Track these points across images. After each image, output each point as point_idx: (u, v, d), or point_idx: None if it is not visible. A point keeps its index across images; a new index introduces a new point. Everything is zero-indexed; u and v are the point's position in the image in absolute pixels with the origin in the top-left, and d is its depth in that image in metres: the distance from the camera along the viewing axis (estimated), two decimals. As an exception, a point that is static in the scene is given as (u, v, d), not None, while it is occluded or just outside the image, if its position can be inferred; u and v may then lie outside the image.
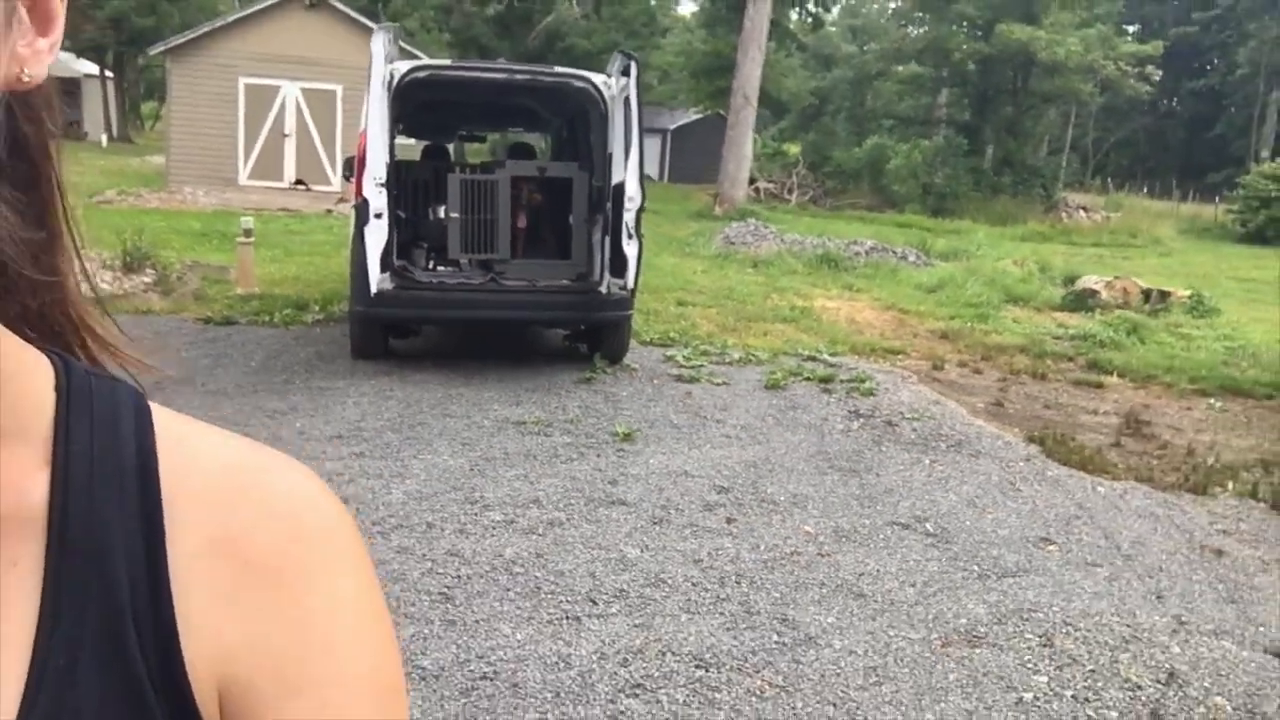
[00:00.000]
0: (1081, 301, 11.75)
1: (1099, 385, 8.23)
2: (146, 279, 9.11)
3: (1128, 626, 3.66)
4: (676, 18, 48.47)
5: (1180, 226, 28.36)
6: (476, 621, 3.35)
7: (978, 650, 3.42)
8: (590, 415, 6.03)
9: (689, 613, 3.54)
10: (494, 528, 4.19)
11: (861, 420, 6.36)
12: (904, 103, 37.50)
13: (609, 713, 2.87)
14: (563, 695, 2.94)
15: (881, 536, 4.42)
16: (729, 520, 4.47)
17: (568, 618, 3.42)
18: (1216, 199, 32.32)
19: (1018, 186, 28.64)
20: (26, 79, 0.42)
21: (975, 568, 4.14)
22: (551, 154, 10.06)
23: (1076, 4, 29.10)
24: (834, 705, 3.00)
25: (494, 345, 7.69)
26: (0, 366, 0.43)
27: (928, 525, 4.60)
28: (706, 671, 3.14)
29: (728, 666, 3.18)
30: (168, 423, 0.48)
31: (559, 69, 7.59)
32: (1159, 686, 3.28)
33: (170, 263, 9.66)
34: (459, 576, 3.68)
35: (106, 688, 0.42)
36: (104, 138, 32.28)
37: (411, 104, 7.14)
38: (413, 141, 10.93)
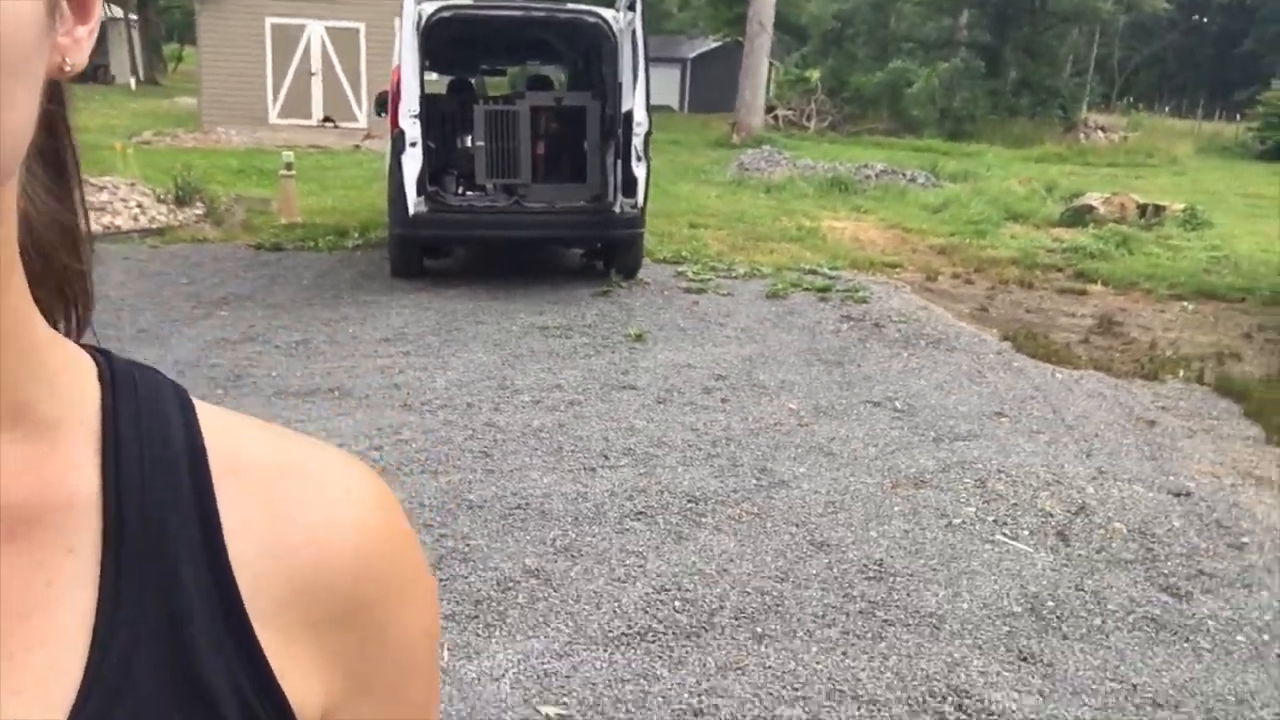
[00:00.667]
0: (1079, 217, 12.24)
1: (1082, 293, 8.83)
2: (197, 211, 9.87)
3: (1053, 474, 4.38)
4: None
5: (1199, 145, 28.39)
6: (511, 470, 4.13)
7: (921, 491, 4.16)
8: (606, 321, 6.76)
9: (684, 465, 4.29)
10: (523, 406, 4.95)
11: (851, 323, 7.05)
12: (927, 25, 37.22)
13: (617, 529, 3.64)
14: (581, 519, 3.71)
15: (855, 412, 5.15)
16: (723, 400, 5.21)
17: (585, 469, 4.19)
18: (1238, 116, 32.19)
19: (1036, 108, 28.70)
20: (69, 68, 0.41)
21: (931, 433, 4.86)
22: (567, 85, 10.64)
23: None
24: (796, 526, 3.76)
25: (518, 264, 8.41)
26: (47, 360, 0.44)
27: (897, 403, 5.31)
28: (695, 504, 3.90)
29: (713, 500, 3.94)
30: (211, 413, 0.48)
31: (572, 5, 8.17)
32: (1069, 515, 4.01)
33: (217, 196, 10.41)
34: (495, 440, 4.45)
35: (165, 673, 0.42)
36: (132, 81, 32.89)
37: (438, 41, 7.75)
38: (435, 77, 11.51)
